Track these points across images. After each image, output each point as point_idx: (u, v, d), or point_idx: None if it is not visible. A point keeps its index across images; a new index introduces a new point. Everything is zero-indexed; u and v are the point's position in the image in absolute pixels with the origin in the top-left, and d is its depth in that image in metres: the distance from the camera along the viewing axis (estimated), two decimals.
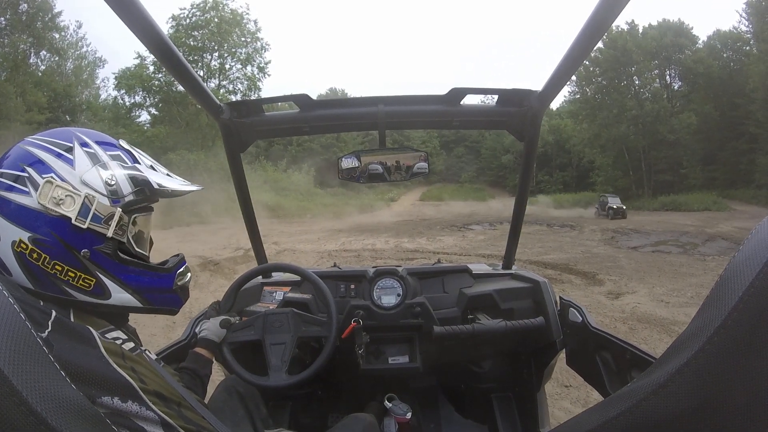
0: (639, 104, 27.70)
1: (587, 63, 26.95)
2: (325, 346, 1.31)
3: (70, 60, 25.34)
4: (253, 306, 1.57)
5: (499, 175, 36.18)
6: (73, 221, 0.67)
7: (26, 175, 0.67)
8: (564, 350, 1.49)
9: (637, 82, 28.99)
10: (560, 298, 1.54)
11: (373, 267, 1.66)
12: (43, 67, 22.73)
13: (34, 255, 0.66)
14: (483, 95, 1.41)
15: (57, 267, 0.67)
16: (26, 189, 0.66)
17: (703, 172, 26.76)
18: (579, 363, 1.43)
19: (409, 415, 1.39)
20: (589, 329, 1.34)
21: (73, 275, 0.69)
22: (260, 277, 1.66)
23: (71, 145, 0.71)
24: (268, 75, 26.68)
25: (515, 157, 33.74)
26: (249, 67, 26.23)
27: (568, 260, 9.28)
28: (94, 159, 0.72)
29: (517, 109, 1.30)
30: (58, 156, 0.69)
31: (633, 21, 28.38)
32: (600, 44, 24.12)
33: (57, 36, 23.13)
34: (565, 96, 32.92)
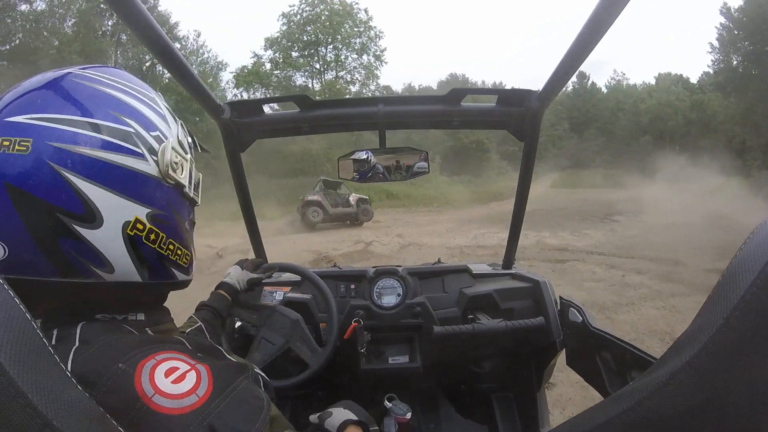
0: None
1: (730, 25, 21.50)
2: (308, 370, 1.28)
3: (194, 66, 25.73)
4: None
5: (636, 159, 29.37)
6: (185, 189, 0.57)
7: (131, 130, 0.50)
8: (564, 350, 1.49)
9: None
10: (560, 297, 1.54)
11: (373, 267, 1.66)
12: (168, 75, 23.21)
13: (152, 236, 0.52)
14: (483, 95, 1.41)
15: (171, 246, 0.55)
16: (138, 150, 0.50)
17: None
18: (579, 363, 1.43)
19: (409, 415, 1.38)
20: (589, 329, 1.33)
21: (180, 253, 0.57)
22: None
23: (155, 97, 0.57)
24: (385, 63, 26.70)
25: (654, 139, 29.78)
26: (365, 56, 26.19)
27: None
28: (174, 117, 0.59)
29: (517, 109, 1.30)
30: (152, 109, 0.54)
31: None
32: (740, 1, 20.25)
33: (178, 45, 23.72)
34: (708, 65, 27.01)
